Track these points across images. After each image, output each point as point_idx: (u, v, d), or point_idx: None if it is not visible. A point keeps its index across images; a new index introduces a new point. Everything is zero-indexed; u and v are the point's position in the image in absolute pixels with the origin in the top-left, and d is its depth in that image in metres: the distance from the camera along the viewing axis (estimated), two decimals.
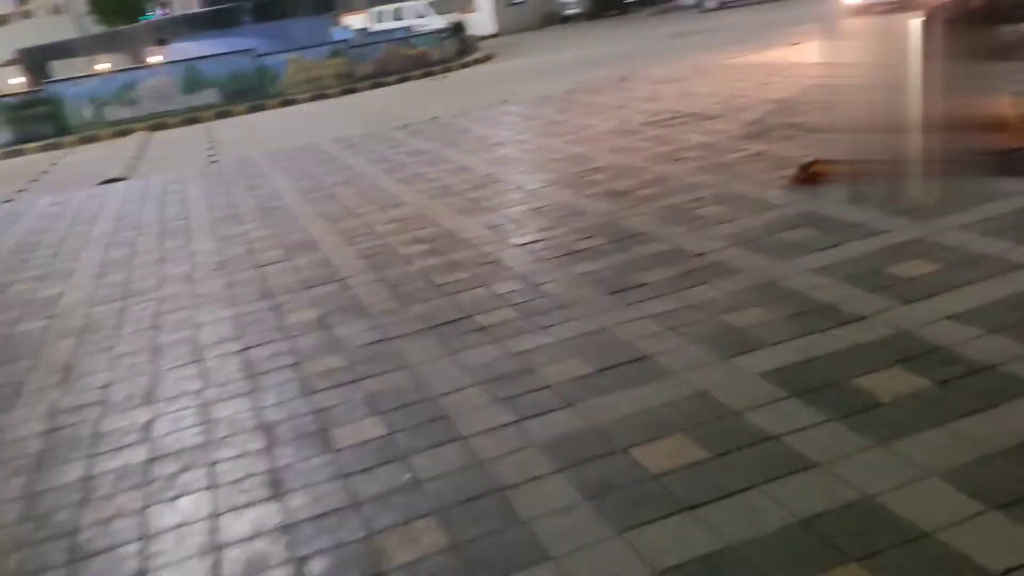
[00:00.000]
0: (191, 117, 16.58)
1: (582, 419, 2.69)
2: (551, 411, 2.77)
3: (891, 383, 2.60)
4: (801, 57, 10.21)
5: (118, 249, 6.30)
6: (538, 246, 4.57)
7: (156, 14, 42.30)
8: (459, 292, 4.05)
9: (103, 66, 28.20)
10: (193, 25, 22.43)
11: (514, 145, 7.88)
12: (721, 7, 24.55)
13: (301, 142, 10.76)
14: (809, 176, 4.63)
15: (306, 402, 3.15)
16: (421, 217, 5.67)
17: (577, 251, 4.36)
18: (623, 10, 34.85)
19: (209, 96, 17.16)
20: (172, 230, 6.69)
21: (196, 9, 23.79)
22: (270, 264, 5.15)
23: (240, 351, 3.78)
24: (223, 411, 3.20)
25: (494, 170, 6.84)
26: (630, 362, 3.02)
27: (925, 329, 2.89)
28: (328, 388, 3.24)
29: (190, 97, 17.08)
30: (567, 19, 33.88)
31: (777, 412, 2.54)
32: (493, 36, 30.86)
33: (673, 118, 7.70)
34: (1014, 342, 2.71)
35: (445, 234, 5.13)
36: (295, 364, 3.52)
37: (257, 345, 3.82)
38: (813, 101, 7.24)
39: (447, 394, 3.00)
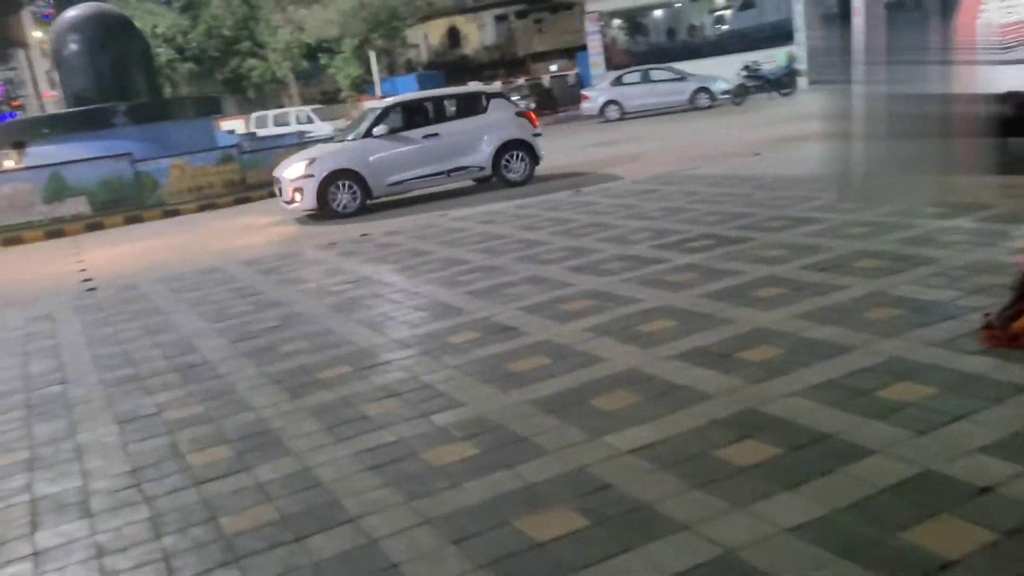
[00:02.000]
0: (55, 230, 14.21)
1: None
2: None
3: None
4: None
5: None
6: None
7: (5, 116, 39.07)
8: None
9: None
10: (56, 126, 19.99)
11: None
12: (622, 117, 24.41)
13: (201, 263, 8.86)
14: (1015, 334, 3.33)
15: None
16: (412, 384, 4.01)
17: None
18: None
19: (76, 205, 14.88)
20: (43, 405, 4.69)
21: (61, 109, 21.40)
22: (215, 479, 3.34)
23: None
24: None
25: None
26: None
27: None
28: None
29: (53, 207, 14.73)
30: None
31: None
32: None
33: None
34: None
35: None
36: None
37: None
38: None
39: None
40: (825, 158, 7.96)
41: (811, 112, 17.51)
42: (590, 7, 30.93)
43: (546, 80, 45.56)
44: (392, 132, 11.51)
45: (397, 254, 7.76)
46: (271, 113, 30.74)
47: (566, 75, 49.59)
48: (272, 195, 13.17)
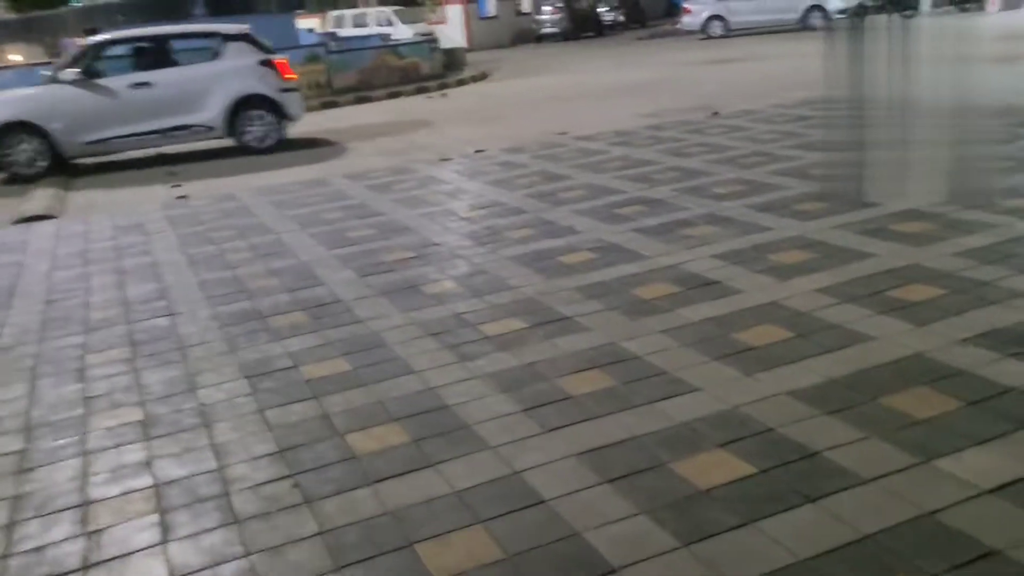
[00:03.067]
0: None
1: None
2: None
3: None
4: None
5: (55, 387, 3.51)
6: None
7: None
8: None
9: (15, 57, 24.56)
10: (132, 13, 19.19)
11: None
12: (727, 35, 22.64)
13: (304, 175, 8.04)
14: None
15: None
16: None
17: None
18: (599, 32, 32.88)
19: None
20: (148, 334, 3.92)
21: None
22: (390, 477, 2.49)
23: None
24: None
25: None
26: None
27: None
28: None
29: None
30: (541, 38, 31.63)
31: None
32: (466, 51, 28.39)
33: None
34: None
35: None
36: None
37: None
38: None
39: None
40: None
41: (944, 38, 15.86)
42: None
43: None
44: (90, 77, 9.37)
45: None
46: (349, 13, 29.45)
47: None
48: None
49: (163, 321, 4.11)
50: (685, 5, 24.48)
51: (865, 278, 3.67)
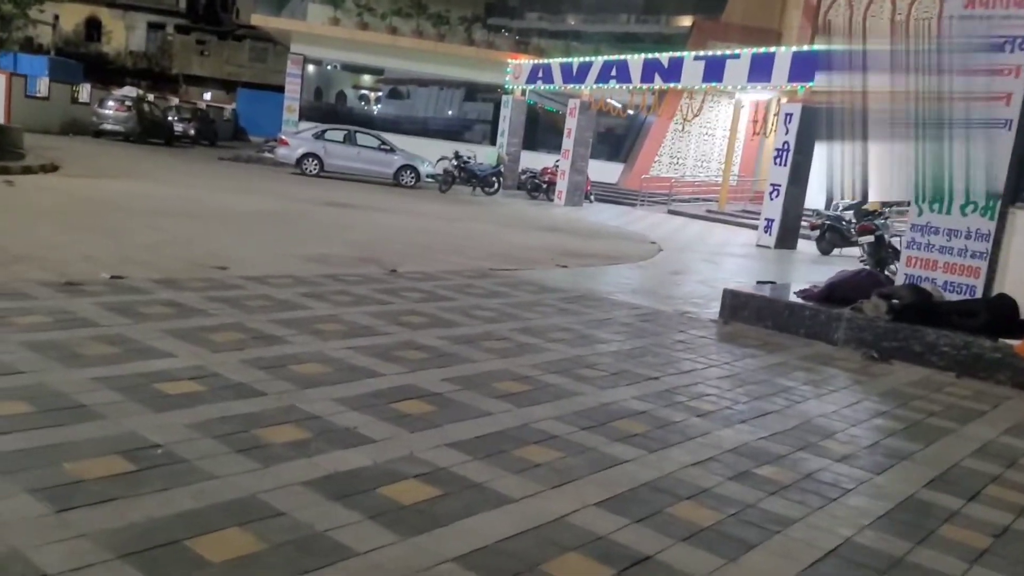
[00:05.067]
0: None
1: None
2: None
3: None
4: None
5: None
6: None
7: None
8: None
9: None
10: None
11: None
12: (320, 175, 22.22)
13: None
14: None
15: None
16: None
17: None
18: (169, 141, 30.32)
19: None
20: None
21: None
22: None
23: None
24: None
25: None
26: None
27: None
28: None
29: None
30: (101, 134, 27.99)
31: None
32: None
33: None
34: None
35: None
36: None
37: None
38: None
39: None
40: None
41: (537, 218, 17.41)
42: (295, 48, 28.40)
43: (202, 106, 41.15)
44: None
45: None
46: None
47: (223, 107, 45.56)
48: None
49: None
50: (282, 137, 23.74)
51: None
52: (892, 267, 12.40)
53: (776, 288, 8.39)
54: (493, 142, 27.88)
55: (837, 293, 7.48)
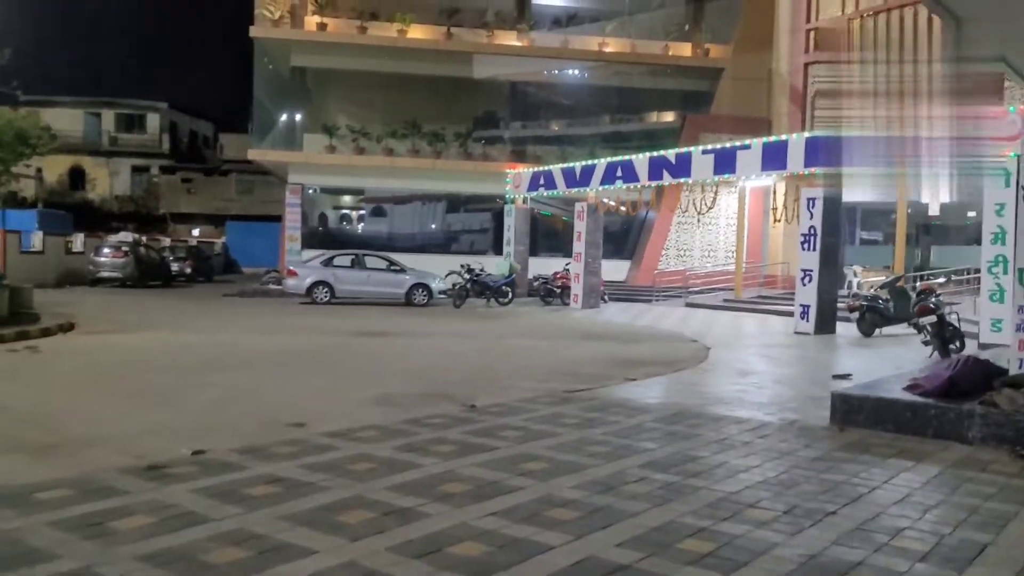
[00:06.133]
0: None
1: None
2: None
3: None
4: None
5: None
6: None
7: None
8: None
9: None
10: None
11: None
12: (331, 301, 21.81)
13: None
14: None
15: None
16: None
17: None
18: (167, 282, 29.96)
19: None
20: None
21: None
22: None
23: None
24: None
25: None
26: None
27: None
28: None
29: None
30: (97, 282, 27.57)
31: None
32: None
33: None
34: None
35: None
36: None
37: None
38: None
39: None
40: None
41: (566, 325, 17.00)
42: (293, 178, 28.46)
43: (194, 243, 41.05)
44: None
45: None
46: None
47: (213, 242, 45.52)
48: None
49: None
50: (290, 268, 23.41)
51: None
52: (954, 345, 11.98)
53: (879, 386, 7.86)
54: (497, 251, 27.80)
55: (959, 387, 6.99)
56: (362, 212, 34.84)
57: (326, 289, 22.17)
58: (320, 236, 30.48)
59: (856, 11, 23.03)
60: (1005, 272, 12.66)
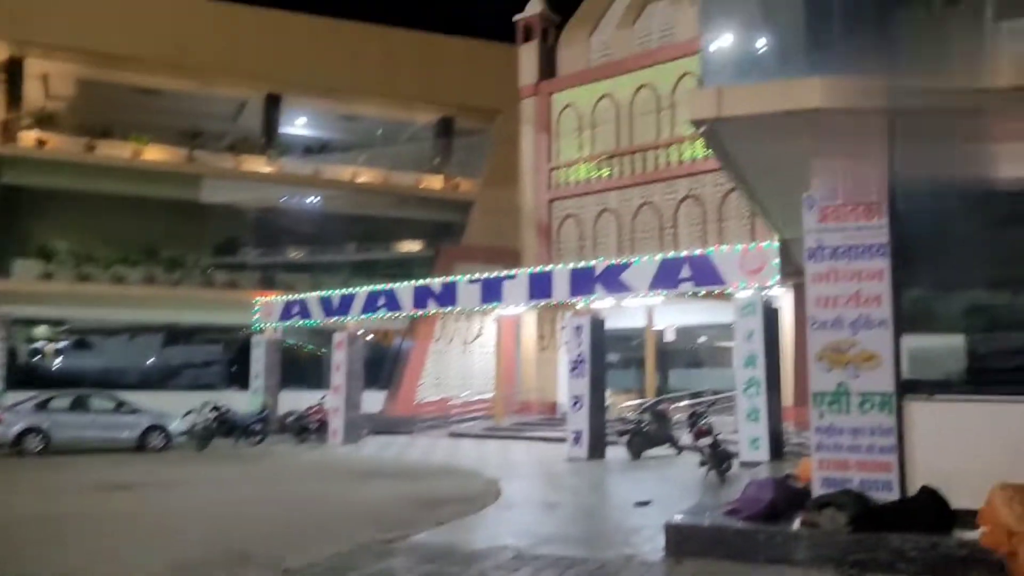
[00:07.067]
0: None
1: None
2: None
3: None
4: None
5: None
6: None
7: None
8: None
9: None
10: None
11: None
12: (44, 452, 18.74)
13: None
14: None
15: None
16: None
17: None
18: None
19: None
20: None
21: None
22: None
23: None
24: None
25: None
26: None
27: None
28: None
29: None
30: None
31: None
32: None
33: None
34: None
35: None
36: None
37: None
38: None
39: None
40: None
41: (337, 464, 15.72)
42: None
43: None
44: None
45: None
46: None
47: None
48: None
49: None
50: None
51: None
52: (725, 464, 12.67)
53: (701, 512, 7.96)
54: (232, 385, 25.95)
55: (777, 509, 7.26)
56: (38, 347, 30.94)
57: (40, 436, 19.07)
58: (33, 375, 26.58)
59: (591, 155, 25.12)
60: (758, 394, 13.86)
